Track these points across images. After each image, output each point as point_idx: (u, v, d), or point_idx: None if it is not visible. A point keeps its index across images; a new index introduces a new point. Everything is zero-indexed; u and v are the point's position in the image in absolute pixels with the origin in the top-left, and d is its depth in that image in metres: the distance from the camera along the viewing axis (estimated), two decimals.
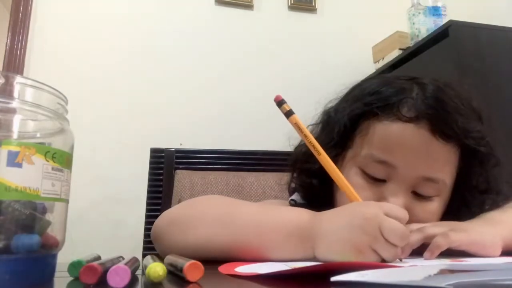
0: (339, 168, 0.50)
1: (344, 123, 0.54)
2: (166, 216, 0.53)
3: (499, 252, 0.43)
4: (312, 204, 0.59)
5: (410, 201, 0.49)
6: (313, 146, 0.47)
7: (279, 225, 0.43)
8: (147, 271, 0.29)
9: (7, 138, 0.26)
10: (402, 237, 0.38)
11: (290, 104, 0.49)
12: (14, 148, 0.26)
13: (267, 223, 0.44)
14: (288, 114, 0.47)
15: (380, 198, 0.49)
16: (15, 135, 0.27)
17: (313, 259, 0.40)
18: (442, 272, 0.25)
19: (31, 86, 0.29)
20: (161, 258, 0.36)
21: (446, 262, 0.35)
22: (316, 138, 0.49)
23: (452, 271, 0.26)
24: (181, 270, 0.29)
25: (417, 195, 0.50)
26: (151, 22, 1.78)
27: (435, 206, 0.51)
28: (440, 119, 0.49)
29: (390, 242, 0.37)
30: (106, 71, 1.69)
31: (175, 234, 0.48)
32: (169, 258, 0.34)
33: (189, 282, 0.29)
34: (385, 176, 0.50)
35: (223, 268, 0.36)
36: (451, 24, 1.39)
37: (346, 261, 0.37)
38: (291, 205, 0.61)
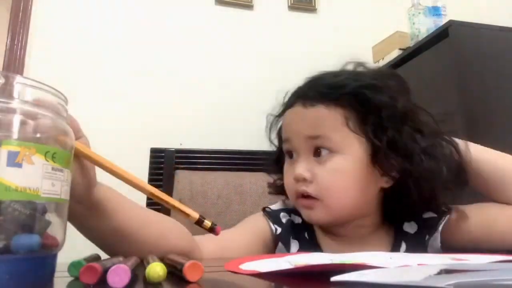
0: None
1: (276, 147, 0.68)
2: None
3: None
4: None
5: (311, 162, 0.57)
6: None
7: None
8: (147, 271, 0.29)
9: (7, 138, 0.26)
10: None
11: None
12: (14, 148, 0.26)
13: None
14: None
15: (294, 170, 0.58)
16: (15, 135, 0.26)
17: None
18: (442, 272, 0.25)
19: (31, 86, 0.29)
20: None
21: (446, 262, 0.35)
22: None
23: (452, 271, 0.26)
24: (181, 270, 0.29)
25: (317, 158, 0.56)
26: (151, 22, 1.78)
27: (336, 162, 0.56)
28: (307, 91, 0.59)
29: None
30: (106, 71, 1.69)
31: None
32: (169, 258, 0.34)
33: (189, 282, 0.29)
34: (291, 151, 0.60)
35: (229, 265, 0.36)
36: (451, 24, 1.39)
37: (349, 262, 0.37)
38: (267, 212, 0.64)
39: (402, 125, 0.55)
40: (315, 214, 0.57)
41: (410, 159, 0.54)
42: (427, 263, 0.35)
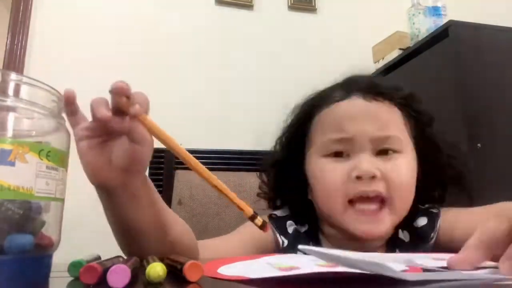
0: (307, 166, 0.58)
1: (295, 127, 0.63)
2: None
3: None
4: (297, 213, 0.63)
5: (377, 161, 0.53)
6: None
7: None
8: (147, 271, 0.28)
9: (1, 137, 0.26)
10: None
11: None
12: (6, 147, 0.25)
13: None
14: None
15: (351, 170, 0.52)
16: (9, 134, 0.26)
17: None
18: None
19: (26, 83, 0.28)
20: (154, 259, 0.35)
21: (428, 261, 0.33)
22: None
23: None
24: (181, 270, 0.29)
25: (382, 156, 0.53)
26: (151, 22, 1.78)
27: (401, 162, 0.54)
28: (367, 86, 0.57)
29: None
30: (106, 71, 1.68)
31: None
32: (169, 258, 0.34)
33: (189, 282, 0.28)
34: (346, 149, 0.54)
35: (208, 270, 0.34)
36: (451, 24, 1.39)
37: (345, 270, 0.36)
38: (272, 218, 0.62)
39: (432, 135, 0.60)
40: (379, 228, 0.51)
41: (438, 166, 0.58)
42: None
